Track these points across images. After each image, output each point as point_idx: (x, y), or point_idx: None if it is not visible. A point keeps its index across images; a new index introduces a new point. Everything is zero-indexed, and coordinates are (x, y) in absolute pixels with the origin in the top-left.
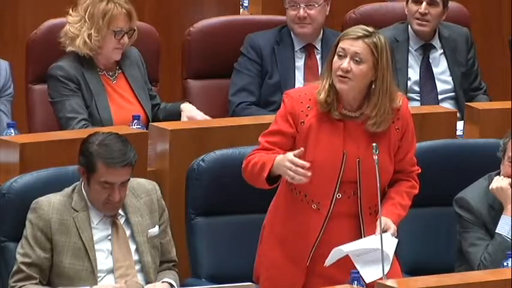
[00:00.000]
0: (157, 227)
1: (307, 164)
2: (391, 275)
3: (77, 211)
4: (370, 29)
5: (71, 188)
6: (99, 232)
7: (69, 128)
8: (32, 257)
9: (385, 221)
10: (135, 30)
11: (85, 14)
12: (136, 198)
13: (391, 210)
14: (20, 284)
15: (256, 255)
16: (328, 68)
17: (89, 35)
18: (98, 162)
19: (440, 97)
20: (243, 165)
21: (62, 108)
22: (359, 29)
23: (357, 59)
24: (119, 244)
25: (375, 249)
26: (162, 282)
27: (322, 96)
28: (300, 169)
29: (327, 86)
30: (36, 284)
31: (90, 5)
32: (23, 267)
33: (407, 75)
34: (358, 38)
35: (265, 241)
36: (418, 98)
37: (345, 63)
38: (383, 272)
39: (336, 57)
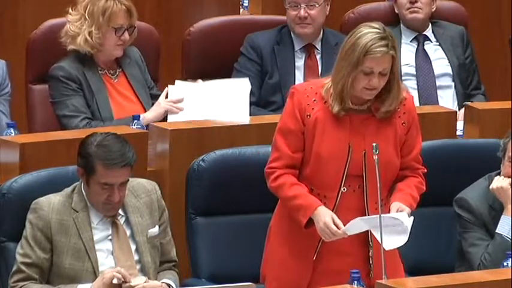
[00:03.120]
0: (157, 227)
1: (338, 232)
2: (395, 275)
3: (77, 211)
4: (380, 29)
5: (70, 188)
6: (100, 232)
7: (71, 126)
8: (31, 258)
9: (398, 205)
10: (135, 27)
11: (85, 12)
12: (136, 198)
13: (404, 198)
14: (20, 284)
15: (263, 256)
16: (346, 79)
17: (90, 33)
18: (97, 164)
19: (438, 83)
20: (269, 175)
21: (63, 107)
22: (380, 42)
23: (385, 73)
24: (119, 244)
25: (394, 222)
26: (162, 283)
27: (337, 109)
28: (332, 235)
29: (337, 96)
30: (35, 283)
31: (90, 2)
32: (23, 268)
33: (400, 61)
34: (383, 54)
35: (272, 240)
36: (415, 86)
37: (375, 80)
38: (381, 245)
39: (361, 74)
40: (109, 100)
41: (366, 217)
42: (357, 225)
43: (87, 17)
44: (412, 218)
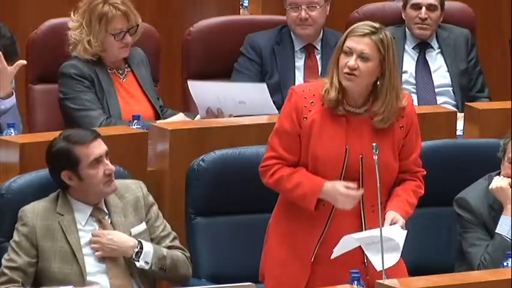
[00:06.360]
0: (143, 223)
1: (361, 192)
2: (397, 275)
3: (62, 215)
4: (376, 24)
5: (55, 193)
6: (86, 234)
7: (89, 118)
8: (16, 262)
9: (393, 215)
10: (137, 25)
11: (83, 20)
12: (120, 199)
13: (399, 206)
14: (1, 287)
15: (262, 254)
16: (335, 66)
17: (89, 42)
18: (75, 150)
19: (437, 90)
20: (265, 173)
21: (78, 101)
22: (365, 26)
23: (364, 56)
24: None
25: (385, 239)
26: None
27: (333, 94)
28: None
29: (336, 84)
30: (18, 287)
31: (87, 10)
32: (6, 271)
33: (401, 68)
34: (365, 35)
35: (271, 239)
36: (414, 91)
37: (352, 60)
38: (382, 263)
39: (342, 54)
40: (118, 99)
41: (357, 235)
42: (348, 243)
43: (84, 26)
44: (405, 231)
